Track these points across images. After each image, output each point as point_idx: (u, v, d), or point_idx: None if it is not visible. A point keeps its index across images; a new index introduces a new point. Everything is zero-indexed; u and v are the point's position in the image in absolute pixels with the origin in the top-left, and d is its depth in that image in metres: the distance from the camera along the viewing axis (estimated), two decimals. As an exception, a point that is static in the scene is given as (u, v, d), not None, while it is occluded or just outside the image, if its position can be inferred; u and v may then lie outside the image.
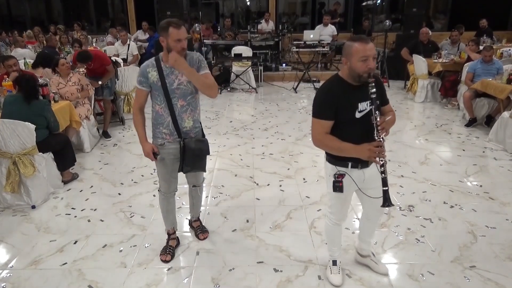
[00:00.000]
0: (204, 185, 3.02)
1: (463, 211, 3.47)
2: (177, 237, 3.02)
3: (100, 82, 5.40)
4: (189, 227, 3.23)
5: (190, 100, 2.56)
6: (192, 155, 2.58)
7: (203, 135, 2.76)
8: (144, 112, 2.64)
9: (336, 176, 2.25)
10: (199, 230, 3.13)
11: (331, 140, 2.16)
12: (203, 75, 2.52)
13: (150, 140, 2.66)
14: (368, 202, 2.40)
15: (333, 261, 2.63)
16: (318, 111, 2.17)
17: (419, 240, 3.04)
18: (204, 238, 3.07)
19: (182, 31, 2.38)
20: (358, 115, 2.13)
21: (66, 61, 4.98)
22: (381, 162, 2.08)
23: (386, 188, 2.10)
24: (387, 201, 2.10)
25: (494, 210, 3.49)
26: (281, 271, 2.71)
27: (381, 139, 2.07)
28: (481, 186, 3.96)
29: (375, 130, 2.07)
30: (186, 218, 3.34)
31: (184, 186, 3.13)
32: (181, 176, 2.78)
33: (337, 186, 2.25)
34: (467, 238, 3.07)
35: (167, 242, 2.94)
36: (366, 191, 2.31)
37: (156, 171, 2.86)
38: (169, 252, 2.86)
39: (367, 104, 2.12)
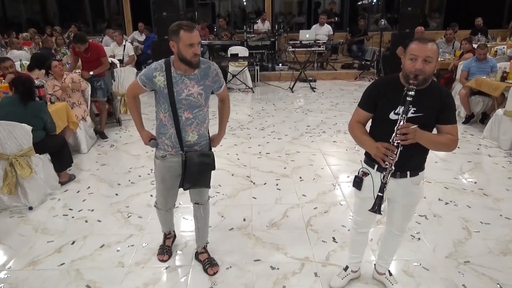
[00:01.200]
0: (210, 203, 2.74)
1: (457, 208, 3.50)
2: (174, 233, 2.99)
3: (91, 73, 5.29)
4: (195, 259, 2.85)
5: (197, 113, 2.34)
6: (194, 171, 2.36)
7: (210, 149, 2.55)
8: (139, 99, 2.51)
9: (360, 172, 2.21)
10: (208, 263, 2.72)
11: (359, 129, 2.14)
12: (222, 92, 2.49)
13: (147, 157, 2.57)
14: (394, 216, 2.29)
15: (346, 265, 2.58)
16: (361, 100, 2.17)
17: (414, 237, 3.07)
18: (214, 273, 2.67)
19: (194, 34, 2.15)
20: (393, 116, 2.00)
21: (58, 62, 4.97)
22: (385, 166, 1.97)
23: (381, 194, 1.99)
24: (376, 206, 2.00)
25: (489, 206, 3.53)
26: (278, 268, 2.73)
27: (395, 144, 1.93)
28: (475, 182, 3.99)
29: (394, 133, 1.93)
30: (184, 218, 3.36)
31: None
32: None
33: (356, 182, 2.21)
34: (462, 234, 3.11)
35: (164, 242, 2.92)
36: (393, 204, 2.24)
37: (154, 173, 2.71)
38: (166, 251, 2.85)
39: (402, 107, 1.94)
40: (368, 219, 2.35)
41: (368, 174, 2.17)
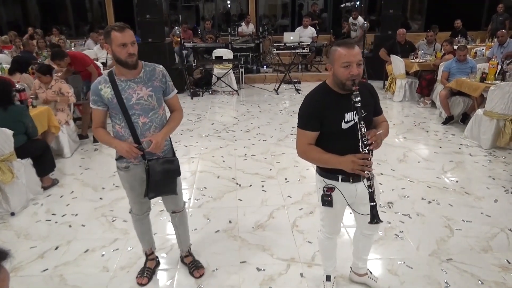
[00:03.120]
0: (190, 208, 2.58)
1: (440, 206, 3.57)
2: (156, 257, 2.81)
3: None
4: (180, 262, 2.85)
5: (152, 117, 2.26)
6: (157, 179, 2.28)
7: (174, 154, 2.48)
8: (105, 127, 2.34)
9: (325, 189, 2.10)
10: (193, 266, 2.72)
11: (316, 151, 2.03)
12: (171, 100, 2.37)
13: (113, 164, 2.42)
14: (362, 218, 2.21)
15: (326, 276, 2.50)
16: (302, 121, 2.04)
17: (398, 236, 3.12)
18: (200, 276, 2.67)
19: (127, 34, 2.09)
20: (344, 125, 1.98)
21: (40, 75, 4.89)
22: (367, 175, 1.93)
23: (374, 203, 1.96)
24: (375, 218, 1.96)
25: (470, 205, 3.60)
26: (264, 270, 2.74)
27: (367, 151, 1.92)
28: (457, 181, 4.07)
29: (360, 142, 1.91)
30: (169, 221, 3.34)
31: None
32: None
33: (326, 201, 2.10)
34: (444, 232, 3.17)
35: (145, 264, 2.73)
36: (358, 207, 2.17)
37: (121, 183, 2.52)
38: (146, 274, 2.66)
39: (354, 114, 1.95)
40: (339, 225, 2.33)
41: (334, 188, 2.10)
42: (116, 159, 2.37)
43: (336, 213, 2.21)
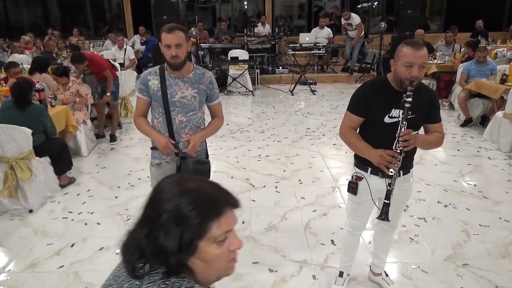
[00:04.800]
0: None
1: (457, 210, 3.50)
2: None
3: (108, 94, 5.43)
4: None
5: (190, 117, 2.32)
6: None
7: (207, 156, 2.54)
8: (146, 117, 2.42)
9: (354, 177, 2.19)
10: None
11: (353, 135, 2.11)
12: (214, 106, 2.43)
13: (148, 159, 2.45)
14: None
15: (340, 272, 2.53)
16: (351, 104, 2.14)
17: (413, 239, 3.08)
18: None
19: (172, 36, 2.14)
20: (387, 120, 2.02)
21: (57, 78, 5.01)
22: (391, 174, 1.97)
23: (388, 202, 2.00)
24: (384, 214, 2.01)
25: (488, 209, 3.52)
26: (276, 271, 2.74)
27: (398, 151, 1.94)
28: (475, 185, 3.99)
29: (396, 140, 1.94)
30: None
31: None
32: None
33: (351, 187, 2.19)
34: (461, 236, 3.11)
35: None
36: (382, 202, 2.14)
37: (150, 181, 2.58)
38: None
39: (401, 112, 1.96)
40: (364, 221, 2.36)
41: (362, 178, 2.16)
42: (151, 148, 2.42)
43: (362, 206, 2.24)
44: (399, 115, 1.98)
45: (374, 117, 2.05)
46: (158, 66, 2.33)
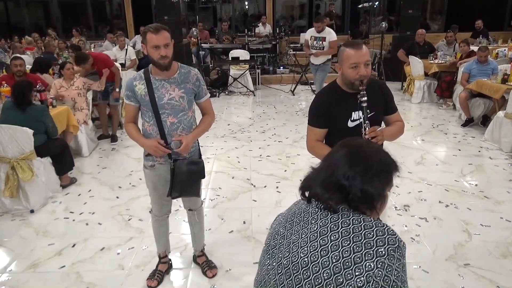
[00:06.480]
0: (210, 206, 2.61)
1: (458, 210, 3.50)
2: (169, 260, 2.80)
3: (117, 90, 5.47)
4: (194, 263, 2.86)
5: (181, 118, 2.31)
6: (182, 179, 2.32)
7: (200, 156, 2.53)
8: (137, 123, 2.42)
9: None
10: (206, 266, 2.73)
11: (322, 148, 2.09)
12: (203, 103, 2.41)
13: (140, 161, 2.46)
14: None
15: None
16: (310, 118, 2.15)
17: (414, 239, 3.07)
18: (213, 276, 2.67)
19: (160, 36, 2.12)
20: (351, 124, 2.06)
21: (72, 66, 5.05)
22: None
23: None
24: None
25: (489, 209, 3.52)
26: (277, 271, 2.73)
27: None
28: (476, 185, 3.99)
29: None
30: (184, 221, 3.37)
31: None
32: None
33: None
34: (462, 236, 3.10)
35: (157, 266, 2.72)
36: None
37: (145, 182, 2.59)
38: (157, 277, 2.64)
39: (361, 113, 2.01)
40: None
41: None
42: (145, 156, 2.43)
43: None
44: (360, 117, 2.02)
45: (337, 124, 2.08)
46: (142, 70, 2.30)
